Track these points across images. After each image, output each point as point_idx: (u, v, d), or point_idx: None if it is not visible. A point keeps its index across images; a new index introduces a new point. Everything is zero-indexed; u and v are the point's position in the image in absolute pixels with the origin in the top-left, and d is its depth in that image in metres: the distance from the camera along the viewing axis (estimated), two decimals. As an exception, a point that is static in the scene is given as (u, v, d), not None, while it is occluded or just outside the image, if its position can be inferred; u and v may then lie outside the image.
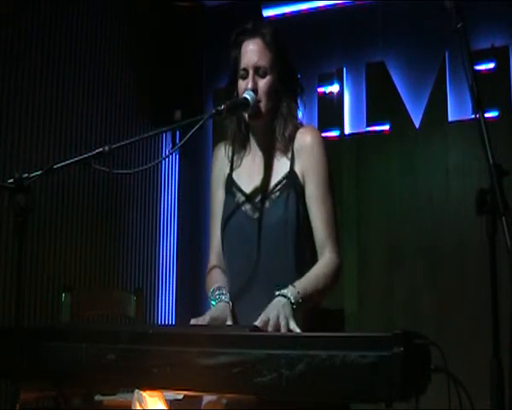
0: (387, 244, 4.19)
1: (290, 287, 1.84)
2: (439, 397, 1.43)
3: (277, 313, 1.74)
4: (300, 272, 1.96)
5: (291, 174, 2.06)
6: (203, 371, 1.39)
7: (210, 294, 2.04)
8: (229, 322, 1.93)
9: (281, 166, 2.08)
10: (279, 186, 2.05)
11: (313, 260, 2.03)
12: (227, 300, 1.99)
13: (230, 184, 2.15)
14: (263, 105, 2.03)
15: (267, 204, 2.05)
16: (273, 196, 2.05)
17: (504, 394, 1.28)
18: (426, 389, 1.30)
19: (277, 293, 1.83)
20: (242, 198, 2.10)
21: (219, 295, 2.00)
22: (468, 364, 3.09)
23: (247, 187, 2.11)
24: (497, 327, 1.31)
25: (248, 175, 2.13)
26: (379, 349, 1.22)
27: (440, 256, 4.00)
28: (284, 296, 1.81)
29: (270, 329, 1.71)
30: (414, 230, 4.11)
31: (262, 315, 1.75)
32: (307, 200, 2.04)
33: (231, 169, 2.17)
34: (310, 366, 1.27)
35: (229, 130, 2.16)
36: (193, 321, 1.86)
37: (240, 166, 2.16)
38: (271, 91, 2.05)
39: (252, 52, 2.05)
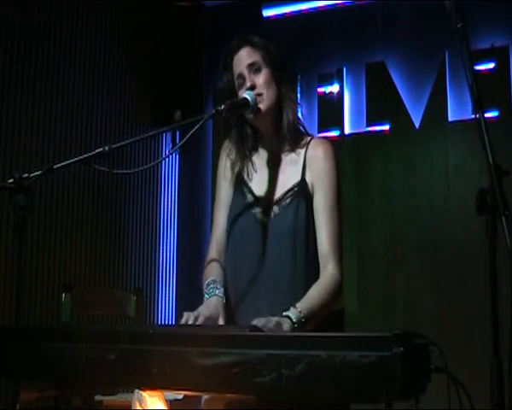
0: (387, 244, 4.18)
1: (292, 309, 1.80)
2: (439, 397, 1.43)
3: (276, 324, 1.70)
4: (307, 282, 1.95)
5: (302, 183, 2.05)
6: (203, 371, 1.38)
7: (204, 287, 2.02)
8: (220, 319, 1.90)
9: (292, 174, 2.07)
10: (290, 194, 2.04)
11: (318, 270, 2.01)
12: (220, 294, 1.97)
13: (241, 184, 2.12)
14: (265, 97, 2.02)
15: (276, 210, 2.04)
16: (283, 202, 2.04)
17: (504, 394, 1.28)
18: (426, 389, 1.30)
19: (284, 314, 1.78)
20: (252, 200, 2.08)
21: (213, 289, 1.98)
22: (468, 364, 3.09)
23: (258, 189, 2.09)
24: (497, 327, 1.31)
25: (259, 177, 2.11)
26: (379, 349, 1.22)
27: (440, 256, 4.00)
28: (287, 317, 1.77)
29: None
30: (414, 230, 4.11)
31: (261, 318, 1.71)
32: (314, 211, 2.03)
33: (241, 168, 2.13)
34: (310, 366, 1.27)
35: (233, 132, 2.13)
36: (184, 317, 1.83)
37: (250, 166, 2.12)
38: (270, 82, 2.04)
39: (242, 57, 2.06)
